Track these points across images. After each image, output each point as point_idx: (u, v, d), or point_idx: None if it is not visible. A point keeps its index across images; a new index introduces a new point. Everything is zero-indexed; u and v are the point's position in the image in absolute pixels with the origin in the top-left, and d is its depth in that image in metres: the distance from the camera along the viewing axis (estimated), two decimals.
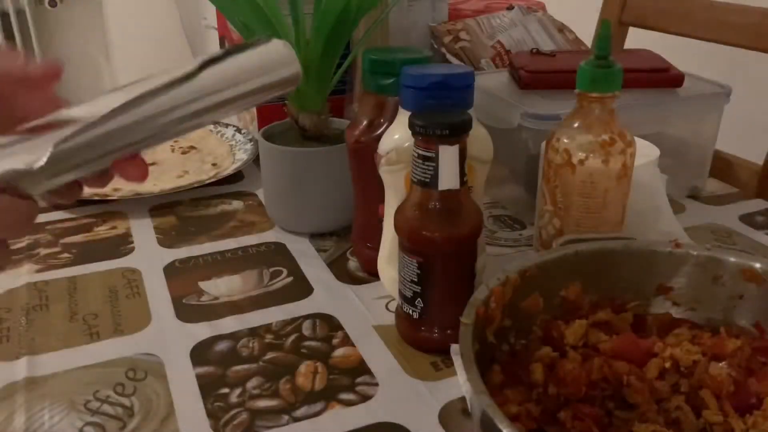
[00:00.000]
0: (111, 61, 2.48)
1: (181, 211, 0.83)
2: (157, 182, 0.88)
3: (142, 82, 0.40)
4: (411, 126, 0.53)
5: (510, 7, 1.03)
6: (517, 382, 0.49)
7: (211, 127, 1.05)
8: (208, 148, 1.00)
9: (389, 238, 0.62)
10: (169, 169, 0.94)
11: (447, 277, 0.56)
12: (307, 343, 0.59)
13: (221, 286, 0.68)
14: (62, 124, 0.39)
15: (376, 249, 0.64)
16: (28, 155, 0.38)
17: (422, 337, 0.58)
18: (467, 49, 0.96)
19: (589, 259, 0.55)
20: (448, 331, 0.56)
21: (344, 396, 0.53)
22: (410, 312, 0.57)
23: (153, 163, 0.97)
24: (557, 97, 0.75)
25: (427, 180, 0.53)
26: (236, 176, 0.92)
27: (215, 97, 0.41)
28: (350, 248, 0.73)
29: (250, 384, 0.55)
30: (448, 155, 0.52)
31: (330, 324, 0.62)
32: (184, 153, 1.00)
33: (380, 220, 0.64)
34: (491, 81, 0.82)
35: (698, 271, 0.54)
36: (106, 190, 0.86)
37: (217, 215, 0.83)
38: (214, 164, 0.95)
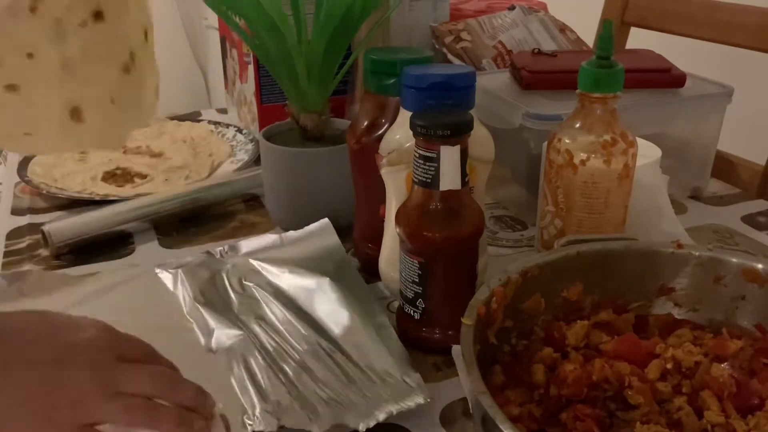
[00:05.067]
0: None
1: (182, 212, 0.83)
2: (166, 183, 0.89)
3: None
4: (412, 126, 0.52)
5: (511, 7, 1.02)
6: (518, 383, 0.49)
7: (212, 127, 1.05)
8: (209, 148, 0.99)
9: (390, 238, 0.62)
10: (174, 164, 0.94)
11: (448, 277, 0.56)
12: None
13: None
14: None
15: (377, 249, 0.64)
16: None
17: (423, 337, 0.58)
18: (469, 50, 0.96)
19: (590, 260, 0.54)
20: (450, 332, 0.56)
21: None
22: (411, 312, 0.57)
23: (160, 154, 0.97)
24: (559, 98, 0.75)
25: (429, 180, 0.53)
26: None
27: None
28: (351, 249, 0.73)
29: None
30: (449, 156, 0.52)
31: None
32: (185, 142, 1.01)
33: (381, 221, 0.64)
34: (493, 81, 0.82)
35: (700, 271, 0.54)
36: (108, 190, 0.86)
37: (218, 216, 0.82)
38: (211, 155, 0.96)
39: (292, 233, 0.69)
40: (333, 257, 0.66)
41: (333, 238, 0.67)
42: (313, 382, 0.52)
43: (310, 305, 0.61)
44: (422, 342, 0.58)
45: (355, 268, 0.66)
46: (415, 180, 0.54)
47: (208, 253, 0.68)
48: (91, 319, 0.45)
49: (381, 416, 0.49)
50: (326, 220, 0.68)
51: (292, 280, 0.63)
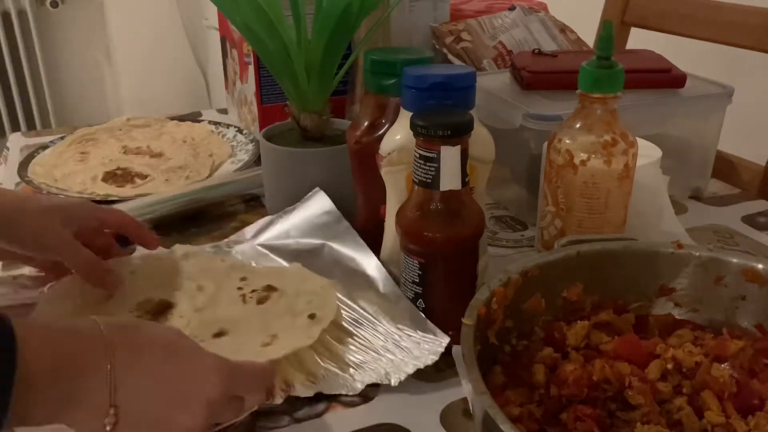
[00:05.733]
0: (112, 61, 2.48)
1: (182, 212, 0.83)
2: (166, 183, 0.89)
3: None
4: (412, 126, 0.52)
5: (512, 8, 1.02)
6: (518, 384, 0.49)
7: (213, 127, 1.05)
8: (209, 149, 0.99)
9: (391, 238, 0.62)
10: (175, 163, 0.94)
11: (448, 277, 0.56)
12: None
13: None
14: None
15: (378, 250, 0.64)
16: None
17: None
18: (469, 50, 0.96)
19: (590, 260, 0.54)
20: (450, 332, 0.56)
21: (345, 397, 0.53)
22: None
23: (160, 154, 0.97)
24: (559, 98, 0.75)
25: (429, 181, 0.53)
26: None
27: None
28: None
29: None
30: (449, 156, 0.52)
31: None
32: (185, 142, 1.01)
33: (381, 221, 0.64)
34: (493, 81, 0.82)
35: (700, 271, 0.54)
36: (108, 190, 0.86)
37: (218, 216, 0.82)
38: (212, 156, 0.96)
39: (288, 208, 0.72)
40: (330, 217, 0.69)
41: (326, 202, 0.70)
42: (344, 347, 0.57)
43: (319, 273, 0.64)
44: None
45: (350, 227, 0.68)
46: (415, 180, 0.54)
47: (216, 246, 0.71)
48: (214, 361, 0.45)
49: (410, 369, 0.53)
50: (317, 188, 0.71)
51: (295, 256, 0.67)
